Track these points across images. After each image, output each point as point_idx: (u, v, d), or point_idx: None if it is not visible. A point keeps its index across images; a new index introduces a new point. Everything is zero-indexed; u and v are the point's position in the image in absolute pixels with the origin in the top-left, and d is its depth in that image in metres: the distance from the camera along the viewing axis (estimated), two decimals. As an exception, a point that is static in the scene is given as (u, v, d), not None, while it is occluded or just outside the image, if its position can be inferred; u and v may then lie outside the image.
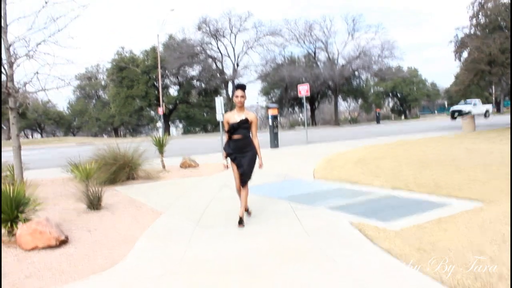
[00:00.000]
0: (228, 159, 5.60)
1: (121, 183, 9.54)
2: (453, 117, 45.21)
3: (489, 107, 49.90)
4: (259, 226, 5.37)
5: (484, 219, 5.03)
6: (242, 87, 5.55)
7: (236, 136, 5.47)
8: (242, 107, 5.49)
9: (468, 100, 47.71)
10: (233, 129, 5.43)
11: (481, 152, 11.58)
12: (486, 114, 46.68)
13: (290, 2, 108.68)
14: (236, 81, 51.03)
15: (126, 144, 10.51)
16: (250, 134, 5.56)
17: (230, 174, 11.54)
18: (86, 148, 14.19)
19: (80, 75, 55.38)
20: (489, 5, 25.29)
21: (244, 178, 5.53)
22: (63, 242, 4.97)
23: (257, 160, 5.61)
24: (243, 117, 5.44)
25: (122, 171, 9.73)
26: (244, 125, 5.45)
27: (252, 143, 5.56)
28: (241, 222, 5.42)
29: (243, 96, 5.45)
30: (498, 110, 75.29)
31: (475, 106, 46.07)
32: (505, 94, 71.82)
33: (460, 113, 44.19)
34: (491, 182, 7.36)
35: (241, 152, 5.48)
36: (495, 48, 22.47)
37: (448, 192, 6.76)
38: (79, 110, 67.29)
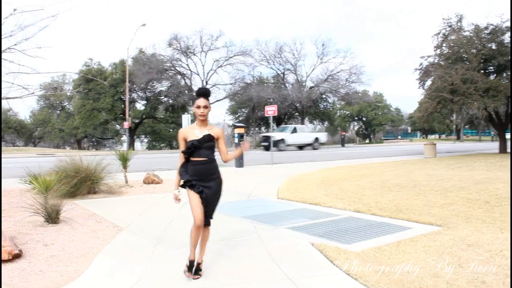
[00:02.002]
0: (181, 189, 4.21)
1: (82, 197, 9.32)
2: (265, 146, 36.97)
3: (321, 135, 41.50)
4: (220, 245, 5.33)
5: (441, 243, 5.15)
6: (205, 93, 4.20)
7: (196, 158, 4.09)
8: (205, 120, 4.20)
9: (288, 126, 41.07)
10: (192, 148, 4.07)
11: (441, 178, 11.87)
12: (314, 144, 39.39)
13: (264, 23, 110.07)
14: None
15: (89, 157, 10.31)
16: (214, 156, 4.24)
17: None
18: (47, 159, 13.84)
19: (45, 85, 54.19)
20: (452, 37, 26.31)
21: (207, 215, 4.19)
22: (17, 256, 4.78)
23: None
24: (207, 134, 4.13)
25: (83, 184, 9.51)
26: (208, 144, 4.12)
27: (218, 169, 4.23)
28: (191, 268, 4.24)
29: (207, 107, 4.14)
30: (458, 137, 77.74)
31: (295, 134, 38.14)
32: (465, 123, 74.24)
33: (267, 140, 35.59)
34: (449, 207, 7.55)
35: (204, 180, 4.09)
36: (457, 78, 23.27)
37: (409, 216, 6.89)
38: (42, 119, 65.66)
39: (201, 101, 4.14)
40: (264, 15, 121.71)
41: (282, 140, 35.98)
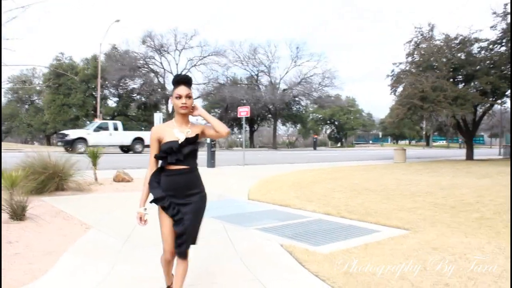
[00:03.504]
0: (151, 207, 3.19)
1: (50, 194, 9.13)
2: (65, 146, 27.03)
3: (148, 136, 27.83)
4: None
5: (408, 246, 5.25)
6: (186, 80, 3.15)
7: (174, 167, 3.06)
8: (186, 115, 3.16)
9: (99, 122, 31.50)
10: (170, 153, 3.03)
11: (409, 182, 12.10)
12: (135, 147, 30.96)
13: (240, 25, 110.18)
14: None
15: (58, 153, 10.12)
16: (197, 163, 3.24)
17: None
18: (14, 154, 13.52)
19: (13, 78, 52.99)
20: (424, 45, 26.89)
21: (184, 242, 3.13)
22: (-20, 253, 4.67)
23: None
24: (189, 133, 3.11)
25: (51, 181, 9.31)
26: (191, 147, 3.09)
27: (201, 180, 3.23)
28: None
29: (190, 97, 3.09)
30: (427, 144, 79.37)
31: (103, 132, 29.72)
32: (434, 130, 75.84)
33: (64, 138, 28.48)
34: (417, 211, 7.70)
35: (181, 196, 3.08)
36: (427, 85, 23.78)
37: (377, 220, 6.99)
38: (9, 114, 64.07)
39: (182, 89, 3.07)
40: (240, 17, 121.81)
41: (82, 140, 27.99)
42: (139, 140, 31.23)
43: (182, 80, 3.15)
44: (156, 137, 3.14)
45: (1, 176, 6.78)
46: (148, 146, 27.64)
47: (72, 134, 28.76)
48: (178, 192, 3.08)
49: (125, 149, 31.52)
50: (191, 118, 3.25)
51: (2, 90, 59.72)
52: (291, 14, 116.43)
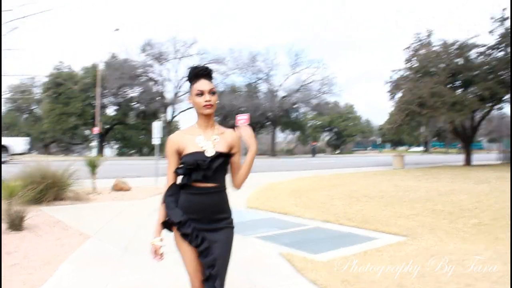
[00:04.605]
0: (166, 237, 2.60)
1: (48, 204, 9.13)
2: None
3: (13, 143, 26.10)
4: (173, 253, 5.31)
5: (406, 253, 5.26)
6: (207, 72, 2.54)
7: (199, 184, 2.45)
8: (211, 116, 2.53)
9: None
10: (197, 169, 2.41)
11: (408, 189, 12.11)
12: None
13: (239, 32, 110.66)
14: (177, 106, 50.73)
15: (57, 162, 10.14)
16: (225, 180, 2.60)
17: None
18: (13, 164, 13.52)
19: (13, 87, 53.07)
20: (422, 51, 27.03)
21: (216, 275, 2.49)
22: (-22, 264, 4.67)
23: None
24: (217, 141, 2.51)
25: (50, 190, 9.31)
26: (222, 161, 2.48)
27: (229, 204, 2.62)
28: None
29: (214, 92, 2.49)
30: (426, 149, 79.40)
31: None
32: (433, 135, 75.99)
33: None
34: (415, 218, 7.71)
35: (206, 221, 2.47)
36: (425, 91, 23.86)
37: (376, 227, 7.00)
38: (8, 123, 64.08)
39: (203, 84, 2.47)
40: (239, 22, 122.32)
41: None
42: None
43: (202, 72, 2.51)
44: (175, 148, 2.49)
45: (1, 187, 6.80)
46: (21, 153, 24.33)
47: None
48: (203, 216, 2.45)
49: None
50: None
51: (2, 100, 59.84)
52: (290, 14, 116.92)
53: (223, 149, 2.50)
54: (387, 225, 7.08)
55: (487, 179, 14.96)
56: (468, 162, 27.54)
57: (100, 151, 44.19)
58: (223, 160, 2.49)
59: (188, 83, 2.57)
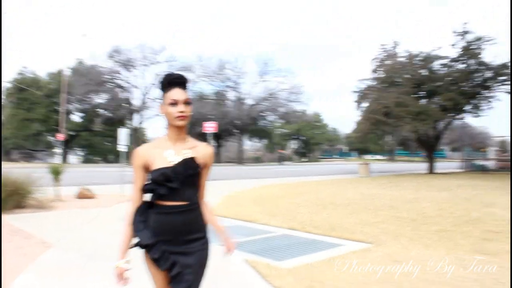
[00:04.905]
0: (132, 256, 2.35)
1: (8, 212, 8.87)
2: None
3: None
4: (139, 264, 5.25)
5: (371, 259, 5.34)
6: (182, 81, 2.29)
7: (169, 202, 2.22)
8: (183, 129, 2.29)
9: None
10: (164, 182, 2.19)
11: (373, 196, 12.32)
12: None
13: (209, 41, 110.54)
14: (145, 113, 50.16)
15: (18, 169, 9.88)
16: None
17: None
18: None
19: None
20: (388, 62, 27.68)
21: None
22: None
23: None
24: (188, 154, 2.27)
25: (10, 198, 9.06)
26: (191, 174, 2.26)
27: (204, 220, 2.41)
28: None
29: (189, 102, 2.25)
30: (391, 158, 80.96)
31: None
32: (398, 144, 77.58)
33: None
34: (380, 225, 7.85)
35: (179, 243, 2.25)
36: (391, 101, 24.42)
37: (341, 234, 7.08)
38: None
39: (177, 93, 2.23)
40: (207, 32, 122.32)
41: None
42: None
43: (177, 80, 2.28)
44: (141, 162, 2.26)
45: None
46: None
47: None
48: (175, 237, 2.23)
49: None
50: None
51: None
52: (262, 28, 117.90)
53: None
54: (353, 233, 7.18)
55: (449, 187, 15.38)
56: (431, 170, 28.25)
57: (64, 158, 43.23)
58: (192, 171, 2.25)
59: (159, 91, 2.34)
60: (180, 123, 2.23)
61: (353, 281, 4.41)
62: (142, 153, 2.28)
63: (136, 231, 2.26)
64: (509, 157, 36.82)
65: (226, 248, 2.65)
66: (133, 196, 2.31)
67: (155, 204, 2.25)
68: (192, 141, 2.36)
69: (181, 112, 2.21)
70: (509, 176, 22.99)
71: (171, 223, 2.23)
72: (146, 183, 2.26)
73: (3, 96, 57.33)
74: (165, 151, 2.26)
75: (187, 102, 2.23)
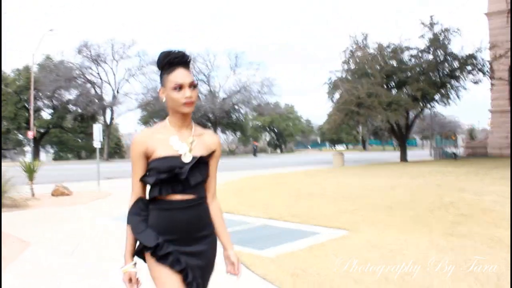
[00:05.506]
0: (136, 263, 2.04)
1: (-17, 211, 8.73)
2: None
3: None
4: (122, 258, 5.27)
5: (349, 246, 5.50)
6: (185, 60, 1.97)
7: (173, 197, 1.94)
8: (189, 115, 2.02)
9: None
10: (171, 176, 1.91)
11: (349, 185, 12.54)
12: None
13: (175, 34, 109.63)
14: (116, 108, 49.53)
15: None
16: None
17: (109, 200, 11.12)
18: None
19: None
20: (358, 53, 28.01)
21: None
22: None
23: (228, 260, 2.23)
24: (195, 144, 2.00)
25: (-16, 198, 8.91)
26: (201, 167, 2.00)
27: (211, 217, 2.13)
28: None
29: (195, 85, 1.96)
30: (364, 147, 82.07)
31: None
32: (370, 134, 78.72)
33: None
34: (357, 213, 8.03)
35: (189, 241, 1.98)
36: (363, 92, 24.76)
37: (319, 222, 7.23)
38: None
39: (182, 75, 1.94)
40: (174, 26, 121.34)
41: None
42: None
43: (180, 59, 1.96)
44: (142, 150, 1.96)
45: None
46: None
47: None
48: (180, 236, 1.95)
49: None
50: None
51: None
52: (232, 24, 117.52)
53: (202, 154, 2.01)
54: (331, 221, 7.33)
55: (421, 174, 15.75)
56: (403, 158, 28.77)
57: (35, 156, 42.36)
58: (202, 164, 2.01)
59: (158, 72, 2.05)
60: (187, 109, 1.95)
61: (334, 267, 4.54)
62: (142, 139, 1.97)
63: (137, 232, 1.95)
64: (478, 144, 37.89)
65: (229, 267, 2.21)
66: (133, 189, 2.02)
67: (157, 198, 1.96)
68: (198, 128, 2.08)
69: (188, 97, 1.92)
70: (477, 162, 23.66)
71: (178, 220, 1.94)
72: (150, 173, 1.96)
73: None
74: (170, 137, 1.97)
75: (193, 85, 1.94)
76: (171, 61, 1.94)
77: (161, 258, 1.90)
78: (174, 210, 1.94)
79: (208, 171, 2.07)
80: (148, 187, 2.00)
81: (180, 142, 1.96)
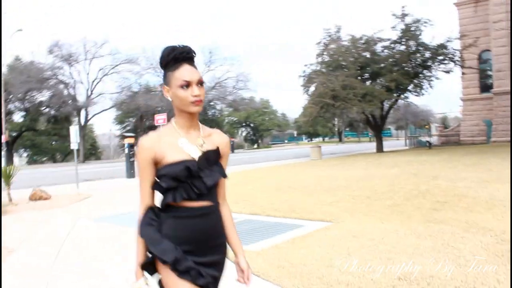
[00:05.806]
0: (154, 277, 1.83)
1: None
2: None
3: None
4: (106, 258, 5.32)
5: (332, 236, 5.63)
6: (190, 55, 1.86)
7: (194, 204, 1.82)
8: (196, 115, 1.92)
9: None
10: (183, 179, 1.78)
11: (328, 178, 12.73)
12: None
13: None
14: (91, 109, 48.89)
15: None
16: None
17: (88, 202, 11.04)
18: None
19: None
20: (332, 46, 28.28)
21: None
22: None
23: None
24: (207, 147, 1.89)
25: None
26: (214, 167, 1.90)
27: (223, 223, 2.02)
28: None
29: (202, 82, 1.84)
30: (340, 139, 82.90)
31: None
32: (346, 126, 79.51)
33: None
34: (337, 204, 8.19)
35: (205, 251, 1.85)
36: (337, 84, 25.03)
37: (301, 215, 7.36)
38: None
39: (189, 72, 1.83)
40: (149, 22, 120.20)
41: None
42: None
43: (185, 55, 1.86)
44: (151, 157, 1.82)
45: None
46: None
47: None
48: (199, 246, 1.84)
49: None
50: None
51: None
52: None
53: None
54: (312, 213, 7.47)
55: (397, 163, 16.07)
56: (379, 149, 29.22)
57: (9, 160, 41.58)
58: (216, 165, 1.93)
59: (161, 70, 1.94)
60: (196, 108, 1.84)
61: (318, 258, 4.66)
62: (150, 144, 1.83)
63: (153, 245, 1.79)
64: (451, 133, 38.68)
65: (239, 274, 2.07)
66: (142, 198, 1.87)
67: (171, 206, 1.82)
68: (205, 129, 1.98)
69: (197, 96, 1.81)
70: (450, 150, 24.21)
71: (195, 228, 1.82)
72: (162, 180, 1.82)
73: None
74: (179, 140, 1.85)
75: (200, 82, 1.84)
76: (177, 57, 1.83)
77: (182, 273, 1.76)
78: (191, 217, 1.82)
79: (223, 171, 1.97)
80: (157, 194, 1.88)
81: (190, 145, 1.85)
